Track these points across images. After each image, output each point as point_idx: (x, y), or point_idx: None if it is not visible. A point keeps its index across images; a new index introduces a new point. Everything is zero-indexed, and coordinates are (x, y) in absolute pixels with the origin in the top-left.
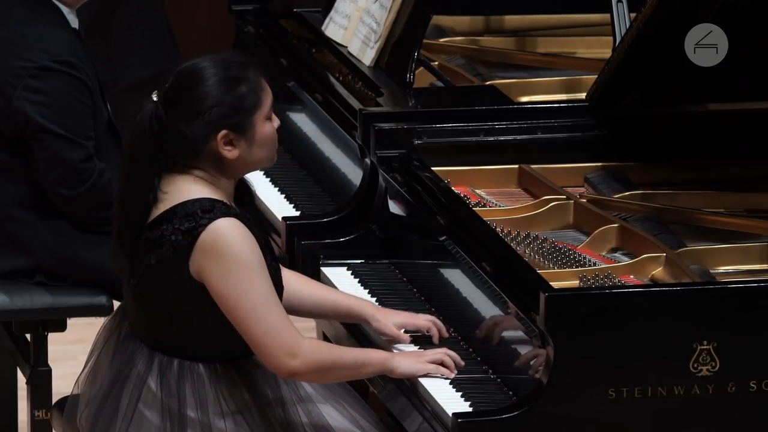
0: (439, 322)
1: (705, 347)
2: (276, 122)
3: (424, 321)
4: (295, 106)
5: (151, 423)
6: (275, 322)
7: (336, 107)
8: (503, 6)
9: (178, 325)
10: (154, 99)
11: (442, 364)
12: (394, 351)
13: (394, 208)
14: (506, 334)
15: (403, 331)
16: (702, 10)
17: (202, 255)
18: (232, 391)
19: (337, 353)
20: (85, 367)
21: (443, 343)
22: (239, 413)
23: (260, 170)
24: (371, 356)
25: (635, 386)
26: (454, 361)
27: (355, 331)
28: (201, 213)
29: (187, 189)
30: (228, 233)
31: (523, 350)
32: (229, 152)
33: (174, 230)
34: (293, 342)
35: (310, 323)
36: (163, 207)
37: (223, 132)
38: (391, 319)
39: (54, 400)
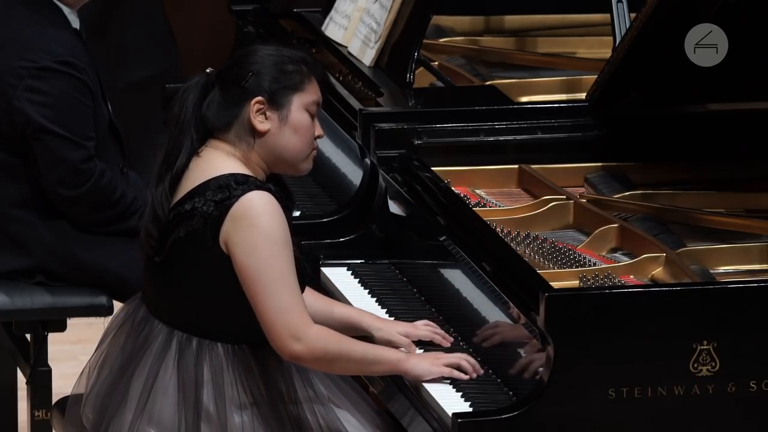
0: (438, 328)
1: (705, 347)
2: (319, 130)
3: (425, 331)
4: None
5: (163, 413)
6: (288, 302)
7: (336, 107)
8: (503, 6)
9: (200, 302)
10: (208, 71)
11: (458, 368)
12: (416, 351)
13: (394, 208)
14: (506, 334)
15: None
16: (702, 10)
17: (232, 225)
18: (249, 379)
19: (346, 345)
20: (97, 349)
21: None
22: (255, 405)
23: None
24: (384, 354)
25: (635, 386)
26: (472, 369)
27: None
28: (235, 185)
29: (220, 165)
30: (260, 205)
31: (524, 351)
32: (261, 123)
33: (206, 202)
34: (301, 326)
35: None
36: (193, 183)
37: (258, 98)
38: (394, 328)
39: (54, 400)
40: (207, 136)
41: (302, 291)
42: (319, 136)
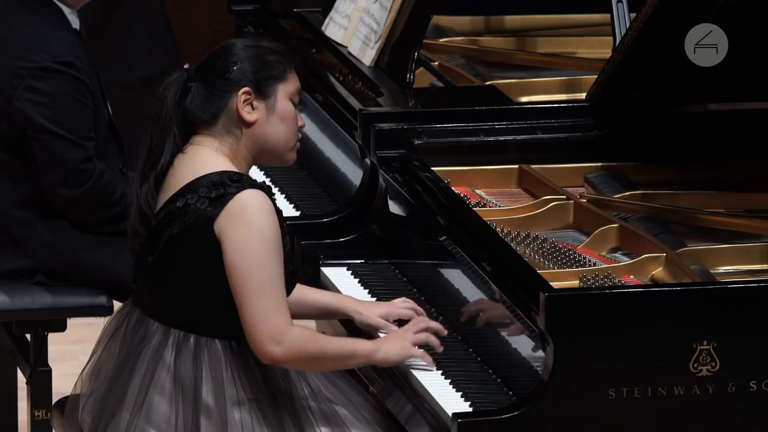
0: (416, 306)
1: (705, 347)
2: (301, 120)
3: (404, 309)
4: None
5: (161, 411)
6: (272, 305)
7: (336, 107)
8: (503, 6)
9: (197, 298)
10: (186, 67)
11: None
12: (381, 335)
13: (394, 208)
14: (506, 333)
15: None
16: (702, 10)
17: (228, 221)
18: (248, 375)
19: (322, 344)
20: (90, 358)
21: (445, 342)
22: (254, 401)
23: (271, 167)
24: (358, 347)
25: (635, 386)
26: (438, 333)
27: (354, 330)
28: (229, 182)
29: (208, 162)
30: (255, 203)
31: (524, 350)
32: (249, 114)
33: (200, 198)
34: (281, 329)
35: (310, 322)
36: (181, 180)
37: (245, 89)
38: (373, 311)
39: (54, 400)
40: (190, 133)
41: (292, 289)
42: (301, 126)
